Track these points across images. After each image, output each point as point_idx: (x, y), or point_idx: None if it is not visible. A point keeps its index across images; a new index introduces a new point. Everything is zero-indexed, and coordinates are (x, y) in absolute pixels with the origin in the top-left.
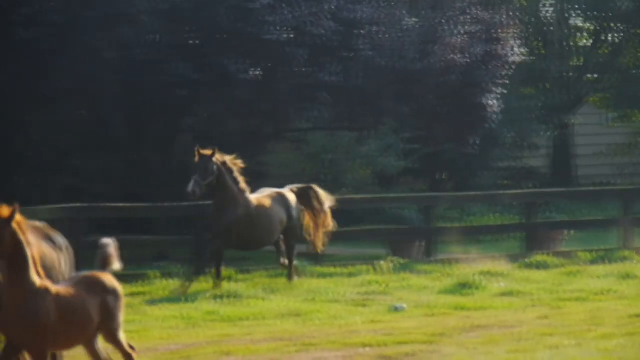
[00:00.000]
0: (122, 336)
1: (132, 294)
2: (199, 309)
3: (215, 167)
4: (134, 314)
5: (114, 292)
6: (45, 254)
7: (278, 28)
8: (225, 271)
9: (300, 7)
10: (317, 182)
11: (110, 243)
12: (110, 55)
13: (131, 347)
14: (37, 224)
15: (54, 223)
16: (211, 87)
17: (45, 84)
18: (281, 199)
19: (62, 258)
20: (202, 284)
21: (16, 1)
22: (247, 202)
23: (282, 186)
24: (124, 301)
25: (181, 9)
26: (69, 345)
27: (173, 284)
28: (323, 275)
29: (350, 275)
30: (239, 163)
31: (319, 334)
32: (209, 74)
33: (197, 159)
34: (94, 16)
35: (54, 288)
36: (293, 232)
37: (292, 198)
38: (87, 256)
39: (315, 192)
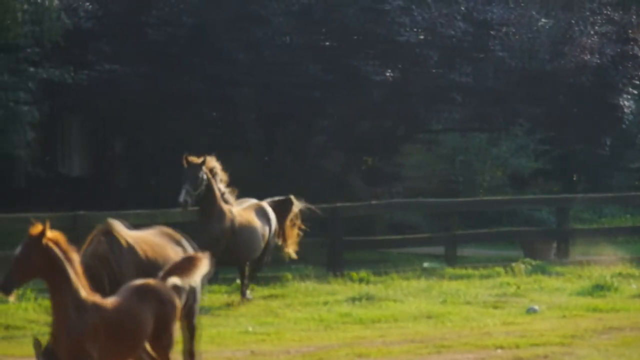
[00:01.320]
0: (170, 349)
1: (268, 296)
2: (332, 311)
3: (205, 176)
4: (269, 316)
5: (168, 302)
6: (176, 258)
7: (409, 29)
8: (360, 273)
9: (432, 9)
10: (449, 183)
11: (189, 257)
12: (242, 57)
13: None
14: (166, 229)
15: (186, 225)
16: (343, 88)
17: (176, 85)
18: (263, 213)
19: None
20: (336, 286)
21: (148, 3)
22: (232, 215)
23: (412, 189)
24: (178, 312)
25: (312, 11)
26: (120, 358)
27: (308, 286)
28: (456, 277)
29: (484, 277)
30: (224, 174)
31: (452, 335)
32: (341, 75)
33: (186, 166)
34: (224, 18)
35: (101, 301)
36: (269, 248)
37: (271, 212)
38: None
39: (292, 205)
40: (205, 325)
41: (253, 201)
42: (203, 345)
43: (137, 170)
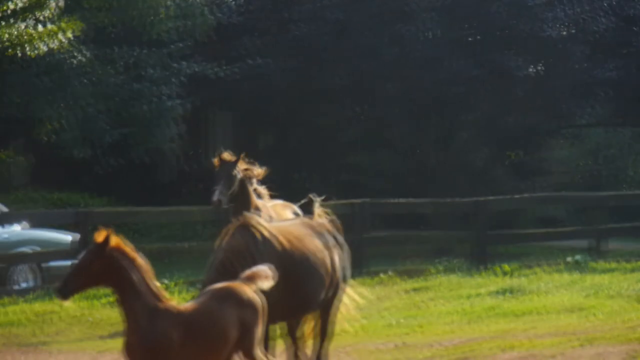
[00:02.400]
0: (259, 354)
1: (414, 290)
2: (477, 305)
3: (238, 174)
4: (413, 309)
5: (250, 306)
6: (315, 251)
7: (553, 25)
8: (504, 267)
9: (577, 4)
10: (592, 177)
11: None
12: (386, 52)
13: None
14: (309, 220)
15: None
16: (488, 83)
17: (321, 80)
18: (295, 213)
19: (334, 255)
20: (480, 279)
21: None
22: (268, 211)
23: (555, 183)
24: (262, 315)
25: (458, 6)
26: None
27: (452, 279)
28: (601, 271)
29: (628, 271)
30: (261, 172)
31: (601, 328)
32: (486, 70)
33: (217, 166)
34: (370, 13)
35: (175, 308)
36: None
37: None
38: (371, 252)
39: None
40: (351, 320)
41: (283, 203)
42: (348, 339)
43: (282, 164)
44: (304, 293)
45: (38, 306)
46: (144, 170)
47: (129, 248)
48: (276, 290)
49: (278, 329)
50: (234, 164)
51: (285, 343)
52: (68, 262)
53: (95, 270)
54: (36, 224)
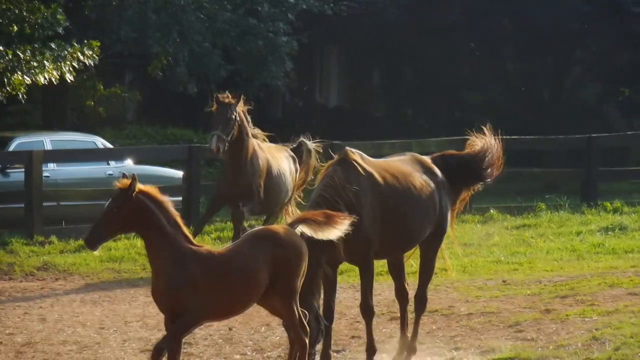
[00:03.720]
0: (294, 304)
1: (520, 226)
2: (585, 241)
3: (237, 117)
4: (521, 245)
5: (290, 249)
6: (420, 186)
7: None
8: (614, 204)
9: None
10: None
11: (330, 214)
12: None
13: (302, 326)
14: (418, 157)
15: None
16: (602, 20)
17: (435, 16)
18: (290, 157)
19: (441, 192)
20: (589, 216)
21: None
22: (266, 155)
23: None
24: (301, 262)
25: None
26: (235, 310)
27: (561, 216)
28: None
29: None
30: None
31: None
32: (600, 6)
33: (215, 108)
34: None
35: (205, 251)
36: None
37: (294, 157)
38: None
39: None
40: (458, 255)
41: (277, 145)
42: (455, 275)
43: (394, 101)
44: (406, 229)
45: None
46: (254, 106)
47: (155, 192)
48: (379, 225)
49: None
50: (232, 106)
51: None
52: (179, 198)
53: (123, 216)
54: (147, 159)
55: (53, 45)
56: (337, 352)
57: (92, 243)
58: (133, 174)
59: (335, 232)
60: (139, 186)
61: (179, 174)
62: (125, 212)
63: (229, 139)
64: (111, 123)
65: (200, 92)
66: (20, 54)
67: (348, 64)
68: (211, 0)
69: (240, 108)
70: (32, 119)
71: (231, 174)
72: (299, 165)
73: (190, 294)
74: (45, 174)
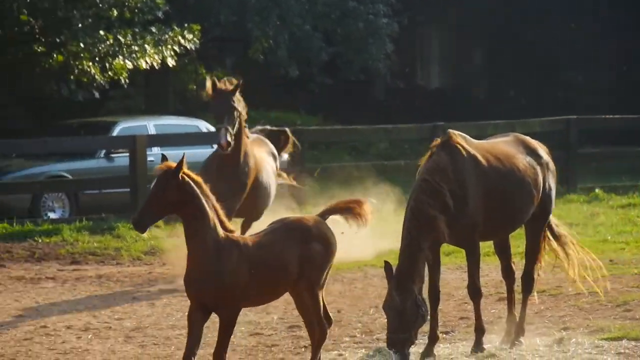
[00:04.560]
0: (319, 295)
1: (626, 205)
2: None
3: (241, 110)
4: (627, 225)
5: (319, 241)
6: (523, 168)
7: None
8: None
9: None
10: None
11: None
12: None
13: (328, 318)
14: (521, 137)
15: (545, 135)
16: None
17: None
18: (271, 152)
19: (546, 172)
20: None
21: None
22: (256, 163)
23: None
24: (330, 254)
25: None
26: (265, 299)
27: None
28: None
29: None
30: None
31: None
32: None
33: (212, 96)
34: None
35: (242, 240)
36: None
37: (274, 149)
38: (584, 168)
39: (287, 141)
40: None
41: (255, 136)
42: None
43: (496, 81)
44: (510, 210)
45: None
46: (355, 88)
47: (197, 176)
48: (483, 208)
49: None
50: (232, 95)
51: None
52: (280, 182)
53: (170, 199)
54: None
55: (153, 30)
56: (446, 333)
57: (141, 225)
58: (183, 155)
59: (365, 220)
60: (185, 168)
61: (283, 156)
62: (171, 193)
63: (235, 132)
64: None
65: (301, 75)
66: (121, 38)
67: (449, 45)
68: None
69: (240, 97)
70: (135, 104)
71: (223, 169)
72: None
73: (231, 281)
74: (149, 158)
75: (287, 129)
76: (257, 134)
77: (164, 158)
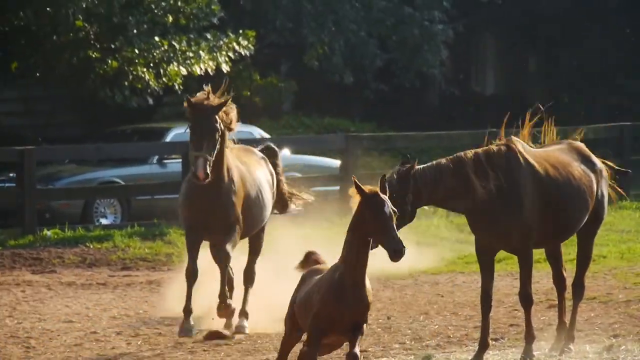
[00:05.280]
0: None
1: None
2: None
3: (220, 127)
4: None
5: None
6: (579, 176)
7: None
8: None
9: None
10: None
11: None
12: None
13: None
14: (576, 144)
15: (598, 142)
16: None
17: (591, 1)
18: (261, 159)
19: (600, 180)
20: None
21: None
22: (241, 172)
23: None
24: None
25: None
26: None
27: None
28: None
29: None
30: (235, 116)
31: None
32: None
33: (192, 115)
34: None
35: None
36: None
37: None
38: (634, 174)
39: (275, 157)
40: (614, 241)
41: (242, 146)
42: (612, 262)
43: (551, 87)
44: (565, 218)
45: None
46: (410, 94)
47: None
48: (537, 215)
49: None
50: (214, 114)
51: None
52: (336, 188)
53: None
54: (305, 149)
55: (208, 36)
56: (496, 340)
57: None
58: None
59: None
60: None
61: (336, 163)
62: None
63: (213, 158)
64: (268, 113)
65: (356, 81)
66: (175, 44)
67: (504, 51)
68: None
69: (223, 111)
70: None
71: (205, 199)
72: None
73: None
74: None
75: (271, 145)
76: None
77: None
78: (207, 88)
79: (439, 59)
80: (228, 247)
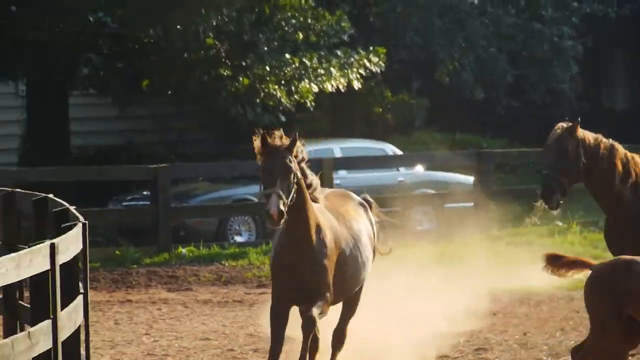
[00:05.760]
0: None
1: None
2: None
3: (294, 167)
4: None
5: None
6: None
7: None
8: None
9: None
10: None
11: None
12: None
13: None
14: None
15: None
16: None
17: None
18: (360, 204)
19: None
20: None
21: None
22: (334, 234)
23: None
24: None
25: None
26: None
27: None
28: None
29: None
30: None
31: None
32: None
33: (262, 153)
34: None
35: None
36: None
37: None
38: None
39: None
40: None
41: (338, 191)
42: None
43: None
44: None
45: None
46: (541, 110)
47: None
48: None
49: None
50: (286, 152)
51: None
52: (470, 204)
53: None
54: (437, 165)
55: (339, 53)
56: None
57: None
58: None
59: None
60: None
61: (469, 179)
62: None
63: (289, 202)
64: (399, 130)
65: (486, 97)
66: (306, 61)
67: (634, 67)
68: (495, 4)
69: (296, 154)
70: (321, 127)
71: (290, 261)
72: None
73: None
74: (335, 181)
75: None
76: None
77: None
78: (279, 132)
79: (569, 74)
80: (314, 313)
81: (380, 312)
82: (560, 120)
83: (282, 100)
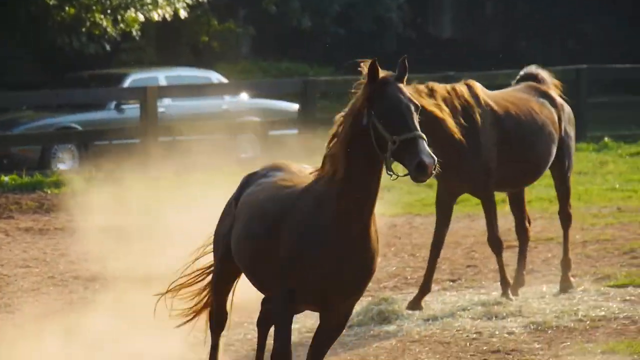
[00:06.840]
0: None
1: (635, 154)
2: None
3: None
4: (636, 173)
5: None
6: (541, 110)
7: None
8: None
9: None
10: None
11: None
12: None
13: None
14: (531, 84)
15: None
16: None
17: None
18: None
19: (562, 114)
20: None
21: None
22: None
23: None
24: None
25: None
26: None
27: None
28: None
29: None
30: None
31: None
32: None
33: (408, 98)
34: None
35: None
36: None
37: None
38: (590, 116)
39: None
40: (573, 183)
41: None
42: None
43: (507, 32)
44: (532, 155)
45: None
46: (367, 38)
47: None
48: (497, 154)
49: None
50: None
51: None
52: (294, 131)
53: None
54: (263, 93)
55: None
56: (453, 281)
57: None
58: None
59: None
60: None
61: (294, 106)
62: None
63: None
64: (225, 58)
65: (314, 25)
66: None
67: None
68: None
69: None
70: (146, 56)
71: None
72: None
73: None
74: (160, 109)
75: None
76: None
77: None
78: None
79: (396, 2)
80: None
81: None
82: (389, 49)
83: (108, 29)
